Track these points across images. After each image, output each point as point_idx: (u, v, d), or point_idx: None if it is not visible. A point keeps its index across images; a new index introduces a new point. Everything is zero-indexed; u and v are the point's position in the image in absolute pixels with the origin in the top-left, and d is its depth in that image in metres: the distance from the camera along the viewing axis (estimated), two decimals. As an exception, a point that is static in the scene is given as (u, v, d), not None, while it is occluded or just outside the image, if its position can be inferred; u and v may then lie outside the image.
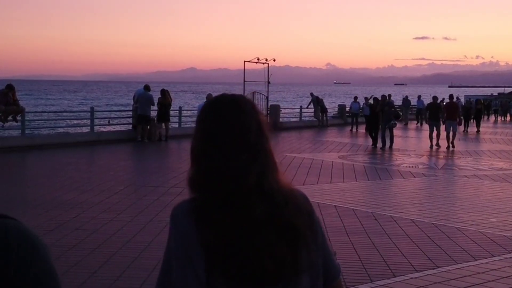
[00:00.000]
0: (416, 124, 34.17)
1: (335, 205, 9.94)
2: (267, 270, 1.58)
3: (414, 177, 13.77)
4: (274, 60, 27.66)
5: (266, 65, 27.55)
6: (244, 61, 26.63)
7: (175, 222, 1.63)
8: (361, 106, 28.97)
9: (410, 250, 7.21)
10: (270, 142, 1.70)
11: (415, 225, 8.66)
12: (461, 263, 6.70)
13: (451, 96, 21.74)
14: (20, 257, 1.08)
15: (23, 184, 11.75)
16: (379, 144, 20.27)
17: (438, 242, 7.67)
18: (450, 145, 20.62)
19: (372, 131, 21.15)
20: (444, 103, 23.32)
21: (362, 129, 28.06)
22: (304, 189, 10.00)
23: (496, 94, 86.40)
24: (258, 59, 27.02)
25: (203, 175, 1.64)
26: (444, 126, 20.78)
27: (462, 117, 22.78)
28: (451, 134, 20.62)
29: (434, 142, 20.66)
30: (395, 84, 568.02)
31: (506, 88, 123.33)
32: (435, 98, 21.34)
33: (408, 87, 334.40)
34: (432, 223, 8.78)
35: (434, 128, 20.74)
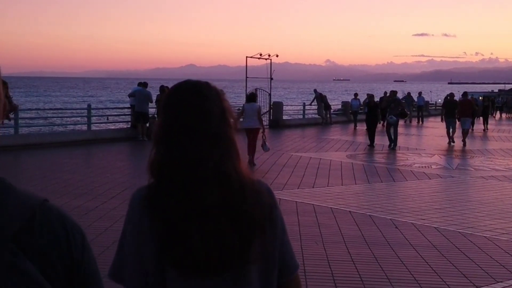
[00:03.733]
0: (417, 122, 33.22)
1: (350, 211, 9.17)
2: (211, 259, 1.56)
3: (429, 178, 12.99)
4: (277, 56, 26.90)
5: (267, 61, 26.79)
6: (247, 57, 25.85)
7: (131, 208, 1.66)
8: (362, 103, 28.18)
9: (441, 265, 6.44)
10: (233, 130, 1.68)
11: (440, 234, 7.89)
12: (501, 281, 5.94)
13: (465, 93, 21.17)
14: (75, 236, 1.12)
15: (13, 187, 10.97)
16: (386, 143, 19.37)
17: (470, 254, 6.90)
18: (462, 142, 20.41)
19: (369, 130, 20.13)
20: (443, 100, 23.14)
21: (360, 126, 27.27)
22: (314, 192, 9.23)
23: (497, 90, 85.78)
24: (260, 54, 26.23)
25: (161, 160, 1.63)
26: (458, 123, 20.78)
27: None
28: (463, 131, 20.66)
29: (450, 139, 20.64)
30: (395, 81, 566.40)
31: (506, 85, 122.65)
32: (451, 95, 20.80)
33: (407, 84, 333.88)
34: (459, 232, 8.02)
35: (450, 126, 20.62)
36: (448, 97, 21.59)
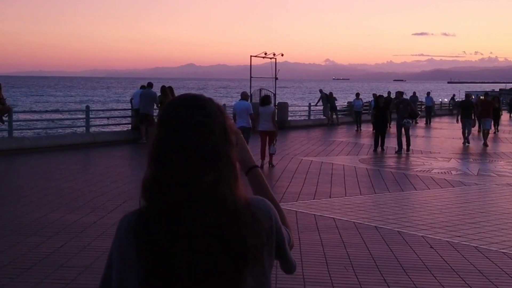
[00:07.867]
0: (426, 123, 32.21)
1: (375, 226, 8.28)
2: (198, 287, 1.46)
3: (453, 186, 12.09)
4: (282, 55, 26.01)
5: (269, 60, 25.94)
6: (251, 56, 24.97)
7: (118, 236, 1.56)
8: (370, 103, 27.32)
9: (495, 297, 5.54)
10: (233, 149, 1.57)
11: (482, 255, 6.99)
12: None
13: (486, 94, 20.49)
14: None
15: (4, 199, 10.04)
16: (396, 148, 18.30)
17: (524, 282, 6.00)
18: (483, 144, 20.27)
19: (378, 132, 18.99)
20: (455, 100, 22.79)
21: (365, 128, 26.39)
22: (332, 203, 8.16)
23: (498, 90, 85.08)
24: (265, 53, 25.34)
25: (154, 179, 1.51)
26: (476, 123, 20.90)
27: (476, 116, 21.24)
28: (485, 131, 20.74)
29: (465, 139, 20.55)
30: (394, 80, 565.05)
31: (507, 84, 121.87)
32: (467, 96, 20.23)
33: (407, 83, 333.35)
34: (503, 252, 7.12)
35: (466, 126, 20.39)
36: (454, 97, 21.01)
